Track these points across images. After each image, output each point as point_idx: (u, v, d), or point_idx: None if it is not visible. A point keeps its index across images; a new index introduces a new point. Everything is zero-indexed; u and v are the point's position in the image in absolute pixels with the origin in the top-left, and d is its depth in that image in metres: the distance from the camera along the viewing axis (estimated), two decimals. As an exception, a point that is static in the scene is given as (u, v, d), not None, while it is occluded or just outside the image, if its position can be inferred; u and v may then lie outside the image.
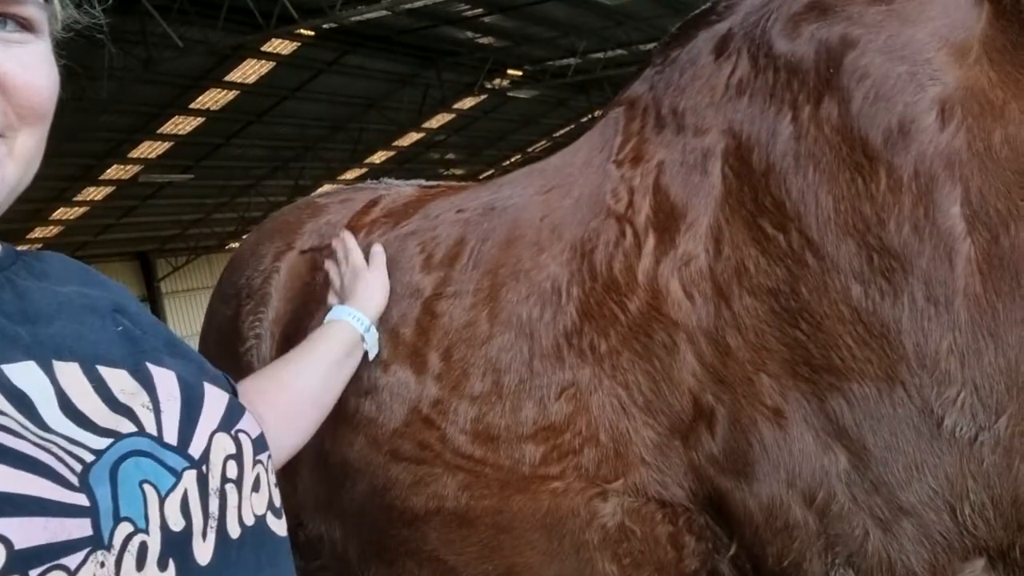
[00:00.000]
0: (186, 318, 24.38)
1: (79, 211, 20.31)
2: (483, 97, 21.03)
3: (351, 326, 1.38)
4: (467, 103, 21.27)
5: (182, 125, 17.57)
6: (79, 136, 14.80)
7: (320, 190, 2.13)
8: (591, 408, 1.24)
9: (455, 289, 1.43)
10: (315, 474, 1.58)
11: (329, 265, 1.58)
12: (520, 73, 20.33)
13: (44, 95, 0.74)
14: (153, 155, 18.62)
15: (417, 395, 1.40)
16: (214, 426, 0.79)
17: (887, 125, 1.07)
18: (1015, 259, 0.99)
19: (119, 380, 0.75)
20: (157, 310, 25.98)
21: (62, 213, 20.05)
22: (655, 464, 1.21)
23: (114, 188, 19.71)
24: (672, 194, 1.24)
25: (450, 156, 25.73)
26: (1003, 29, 1.07)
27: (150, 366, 0.79)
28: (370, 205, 1.80)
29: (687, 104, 1.28)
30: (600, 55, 19.44)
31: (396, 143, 22.76)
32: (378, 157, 23.53)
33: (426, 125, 21.91)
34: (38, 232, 20.25)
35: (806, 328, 1.08)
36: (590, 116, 25.23)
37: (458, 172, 28.13)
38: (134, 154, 18.30)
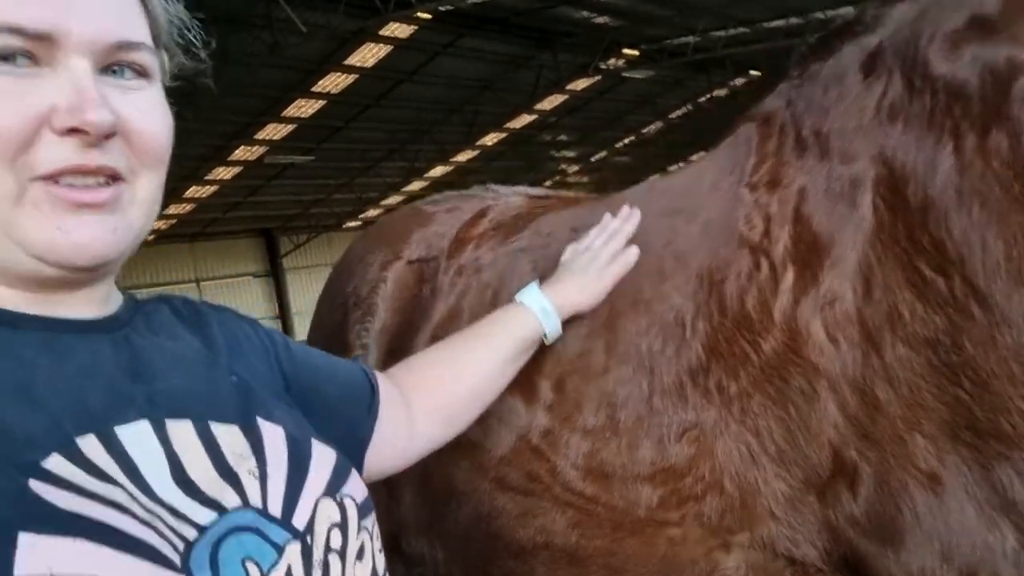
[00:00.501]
0: (306, 294, 25.40)
1: (210, 190, 21.44)
2: (597, 78, 20.71)
3: (538, 321, 1.28)
4: (581, 84, 20.99)
5: (304, 108, 18.16)
6: (212, 118, 15.55)
7: (430, 198, 2.09)
8: (716, 453, 1.15)
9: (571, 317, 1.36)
10: (418, 495, 1.55)
11: (574, 243, 1.42)
12: (636, 53, 19.87)
13: (161, 139, 0.77)
14: (277, 137, 19.37)
15: (527, 424, 1.34)
16: (320, 492, 0.77)
17: None
18: None
19: (230, 439, 0.75)
20: (280, 285, 27.25)
21: (195, 191, 21.22)
22: (786, 519, 1.11)
23: (241, 168, 20.66)
24: (815, 224, 1.12)
25: (562, 138, 25.55)
26: None
27: (260, 421, 0.79)
28: (478, 216, 1.76)
29: (832, 126, 1.16)
30: (721, 33, 18.75)
31: (508, 125, 22.77)
32: (490, 139, 23.64)
33: (539, 107, 21.79)
34: (173, 209, 21.51)
35: (970, 387, 0.96)
36: (708, 96, 24.48)
37: (569, 154, 27.94)
38: (260, 136, 19.09)
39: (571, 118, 23.48)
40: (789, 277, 1.12)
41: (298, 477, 0.76)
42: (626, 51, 19.65)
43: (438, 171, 25.36)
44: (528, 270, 1.47)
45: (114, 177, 0.72)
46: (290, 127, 18.97)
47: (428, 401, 1.16)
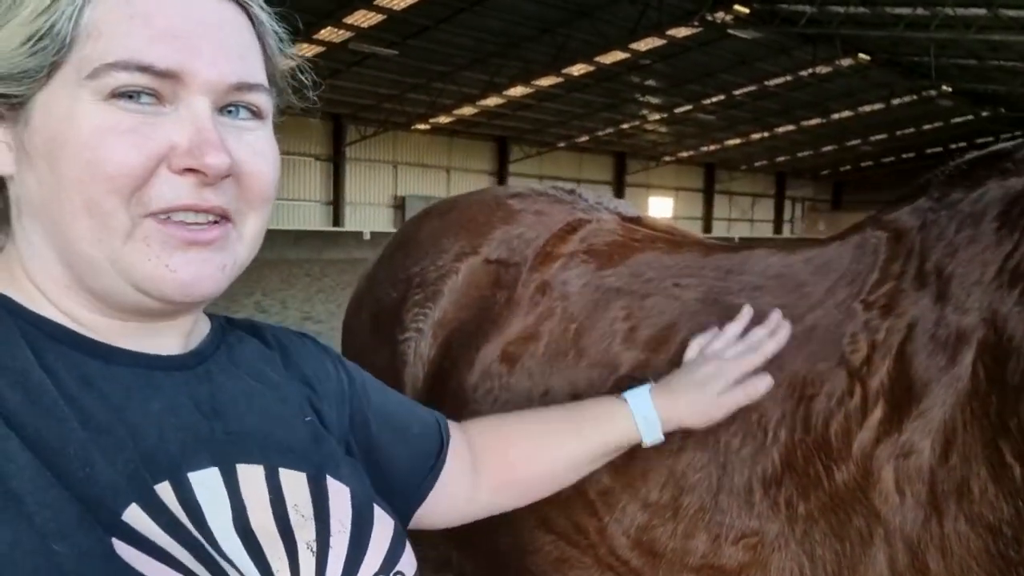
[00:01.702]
0: (363, 186, 25.51)
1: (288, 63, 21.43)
2: (700, 29, 19.95)
3: (636, 430, 1.15)
4: (682, 32, 20.25)
5: (398, 1, 17.86)
6: (305, -6, 15.38)
7: (514, 189, 2.01)
8: (769, 566, 1.12)
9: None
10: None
11: (712, 331, 1.26)
12: (747, 11, 19.04)
13: (269, 180, 0.77)
14: (366, 24, 19.15)
15: (588, 476, 1.33)
16: (376, 568, 0.77)
17: None
18: None
19: (296, 491, 0.76)
20: (339, 173, 27.40)
21: (276, 64, 21.25)
22: None
23: (324, 49, 20.54)
24: (915, 368, 1.06)
25: (651, 83, 24.82)
26: None
27: (329, 480, 0.80)
28: (569, 231, 1.68)
29: (956, 269, 1.09)
30: (840, 9, 17.84)
31: (599, 59, 22.17)
32: (577, 69, 23.09)
33: (634, 46, 21.14)
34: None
35: None
36: (811, 72, 23.50)
37: (654, 100, 27.19)
38: (349, 20, 18.89)
39: (664, 64, 22.78)
40: (877, 414, 1.07)
41: (359, 549, 0.77)
42: (737, 7, 18.83)
43: (517, 91, 24.94)
44: (621, 316, 1.40)
45: (224, 216, 0.73)
46: (380, 17, 18.74)
47: (500, 477, 1.12)
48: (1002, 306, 1.02)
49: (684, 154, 37.84)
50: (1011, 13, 16.00)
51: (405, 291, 1.81)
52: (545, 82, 24.07)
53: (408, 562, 0.81)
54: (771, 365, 1.18)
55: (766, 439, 1.16)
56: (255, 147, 0.75)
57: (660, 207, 38.25)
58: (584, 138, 33.30)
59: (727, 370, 1.16)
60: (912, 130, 34.85)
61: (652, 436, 1.16)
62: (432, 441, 1.05)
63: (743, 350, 1.18)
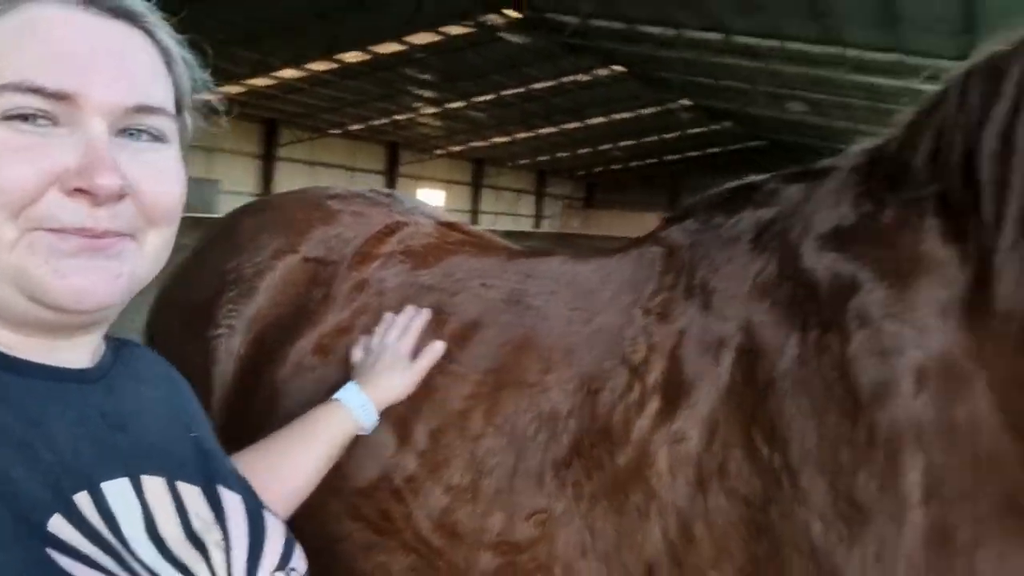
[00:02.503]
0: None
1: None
2: (474, 29, 20.50)
3: (356, 420, 1.35)
4: (455, 30, 20.69)
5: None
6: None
7: (333, 190, 2.05)
8: (556, 540, 1.28)
9: (459, 370, 1.44)
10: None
11: (368, 335, 1.51)
12: (519, 16, 19.85)
13: (172, 199, 0.79)
14: None
15: (392, 463, 1.41)
16: (274, 565, 0.83)
17: (874, 379, 1.10)
18: (958, 541, 1.03)
19: (195, 502, 0.80)
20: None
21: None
22: None
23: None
24: (685, 368, 1.25)
25: (425, 77, 25.05)
26: (980, 292, 1.09)
27: (221, 489, 0.84)
28: (387, 233, 1.77)
29: (718, 284, 1.30)
30: (602, 23, 19.16)
31: (374, 48, 22.01)
32: (352, 56, 22.73)
33: (410, 39, 21.24)
34: None
35: (767, 547, 1.13)
36: (573, 79, 24.98)
37: (428, 94, 27.47)
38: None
39: (439, 60, 23.08)
40: (654, 406, 1.25)
41: (257, 549, 0.82)
42: (509, 12, 19.58)
43: (289, 73, 24.06)
44: (431, 310, 1.53)
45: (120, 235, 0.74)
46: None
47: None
48: (754, 315, 1.23)
49: (455, 148, 38.62)
50: (741, 40, 18.13)
51: (219, 288, 1.80)
52: (319, 67, 23.43)
53: (300, 559, 0.88)
54: (563, 360, 1.37)
55: (558, 427, 1.32)
56: (157, 167, 0.76)
57: (432, 199, 38.55)
58: (358, 126, 32.81)
59: (400, 349, 1.43)
60: (656, 138, 38.18)
61: (371, 420, 1.37)
62: None
63: (400, 333, 1.47)
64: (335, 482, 1.43)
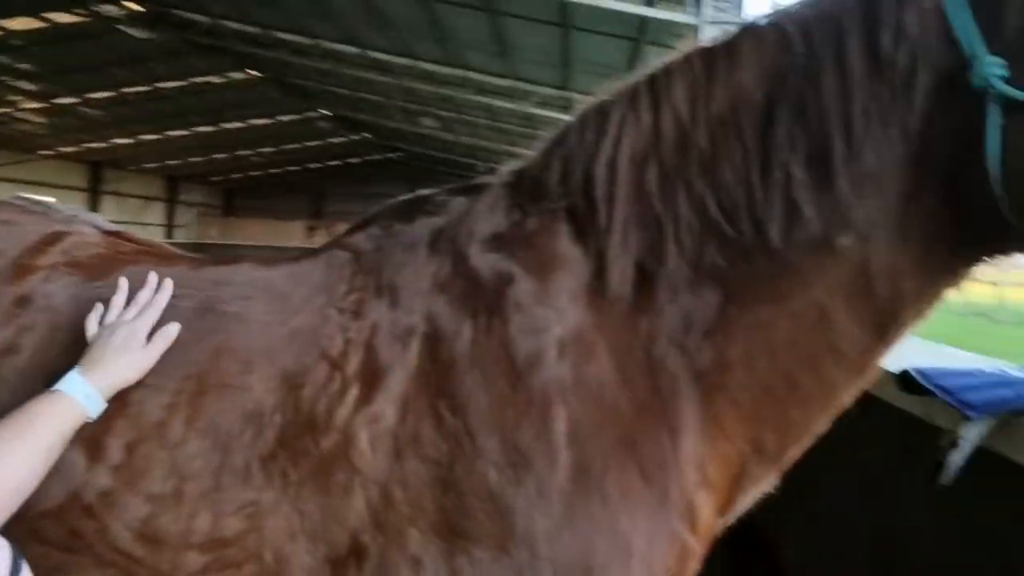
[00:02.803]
0: None
1: None
2: (88, 19, 18.42)
3: (81, 408, 1.29)
4: (64, 18, 18.40)
5: None
6: None
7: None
8: (264, 528, 1.36)
9: (154, 381, 1.45)
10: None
11: (105, 307, 1.45)
12: (141, 9, 18.30)
13: None
14: None
15: (83, 481, 1.38)
16: None
17: (528, 351, 1.37)
18: (592, 472, 1.31)
19: None
20: None
21: None
22: None
23: None
24: (379, 356, 1.43)
25: (25, 67, 21.79)
26: (599, 281, 1.42)
27: None
28: (47, 243, 1.67)
29: (403, 283, 1.49)
30: (235, 25, 18.48)
31: (-44, 29, 18.66)
32: (-76, 36, 19.02)
33: (5, 24, 18.39)
34: None
35: (453, 498, 1.33)
36: (205, 80, 23.66)
37: (30, 87, 23.95)
38: None
39: (42, 49, 20.29)
40: (354, 392, 1.40)
41: None
42: (128, 3, 17.96)
43: None
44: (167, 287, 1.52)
45: None
46: None
47: None
48: (435, 307, 1.44)
49: (66, 149, 34.15)
50: (376, 56, 18.80)
51: None
52: None
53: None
54: (264, 360, 1.46)
55: (263, 423, 1.41)
56: None
57: (36, 207, 33.55)
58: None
59: (137, 328, 1.42)
60: (297, 145, 37.64)
61: (97, 407, 1.35)
62: None
63: (137, 310, 1.46)
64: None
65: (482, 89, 19.46)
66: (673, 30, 12.30)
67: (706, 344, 1.38)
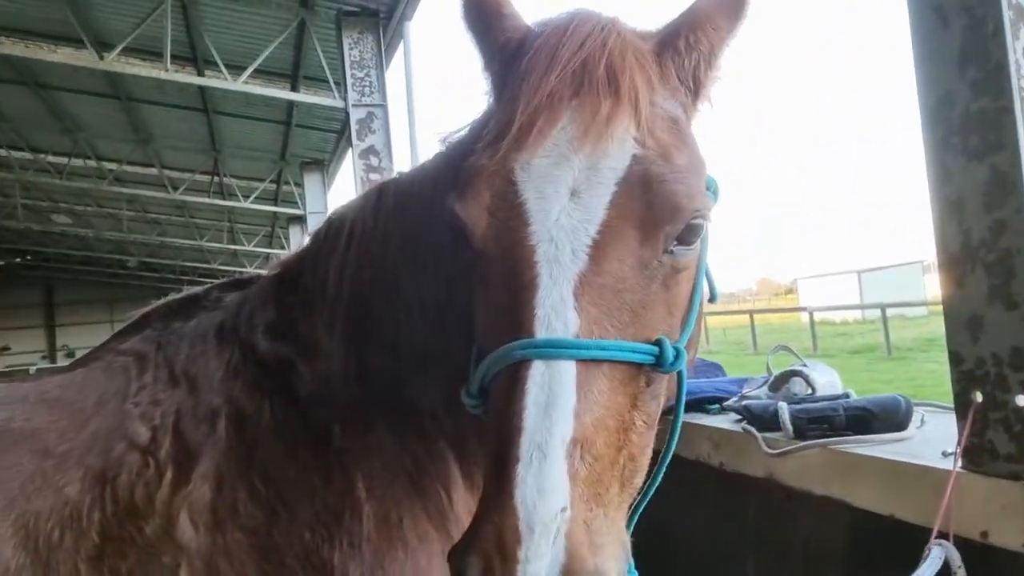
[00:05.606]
0: None
1: None
2: None
3: None
4: None
5: None
6: None
7: None
8: None
9: None
10: None
11: None
12: None
13: None
14: None
15: None
16: None
17: (320, 424, 1.59)
18: (391, 520, 1.52)
19: None
20: None
21: None
22: None
23: None
24: (188, 438, 1.58)
25: None
26: (346, 362, 1.69)
27: None
28: None
29: (198, 372, 1.67)
30: None
31: None
32: None
33: None
34: None
35: (275, 562, 1.48)
36: None
37: None
38: None
39: None
40: (170, 475, 1.52)
41: None
42: None
43: None
44: None
45: None
46: None
47: None
48: (233, 391, 1.64)
49: None
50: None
51: None
52: None
53: None
54: (71, 464, 1.51)
55: (83, 524, 1.47)
56: None
57: None
58: None
59: None
60: None
61: None
62: None
63: None
64: None
65: (122, 178, 18.16)
66: (320, 112, 12.79)
67: (448, 417, 1.62)
